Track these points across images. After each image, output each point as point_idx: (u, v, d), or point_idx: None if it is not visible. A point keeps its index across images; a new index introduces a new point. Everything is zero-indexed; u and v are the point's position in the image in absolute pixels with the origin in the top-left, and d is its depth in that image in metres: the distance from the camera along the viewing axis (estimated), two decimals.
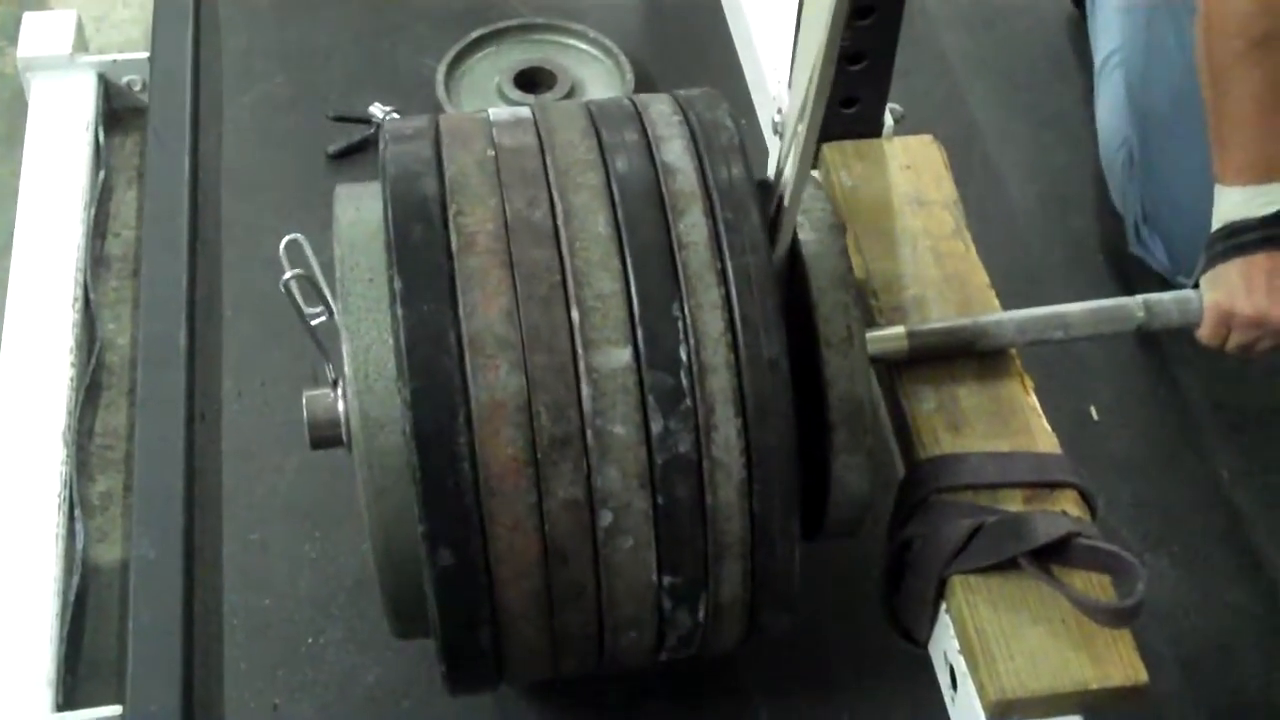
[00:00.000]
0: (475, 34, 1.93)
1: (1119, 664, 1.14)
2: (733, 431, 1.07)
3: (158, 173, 1.76)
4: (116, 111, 1.92)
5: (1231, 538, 1.52)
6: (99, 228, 1.80)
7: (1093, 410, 1.40)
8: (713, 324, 1.07)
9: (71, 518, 1.50)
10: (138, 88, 1.91)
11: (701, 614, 1.14)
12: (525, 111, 1.21)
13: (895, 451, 1.30)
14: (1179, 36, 1.61)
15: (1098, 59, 1.85)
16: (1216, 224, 1.37)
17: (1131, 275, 1.70)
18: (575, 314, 1.07)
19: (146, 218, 1.72)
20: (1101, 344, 1.62)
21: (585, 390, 1.06)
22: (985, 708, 1.14)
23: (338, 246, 1.17)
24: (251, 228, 1.75)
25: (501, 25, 1.94)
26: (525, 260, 1.08)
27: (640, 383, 1.06)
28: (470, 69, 1.91)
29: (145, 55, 1.90)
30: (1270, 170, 1.33)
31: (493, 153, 1.14)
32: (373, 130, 1.82)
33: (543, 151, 1.15)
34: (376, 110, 1.84)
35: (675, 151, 1.14)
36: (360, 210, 1.19)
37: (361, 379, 1.11)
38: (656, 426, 1.06)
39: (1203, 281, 1.36)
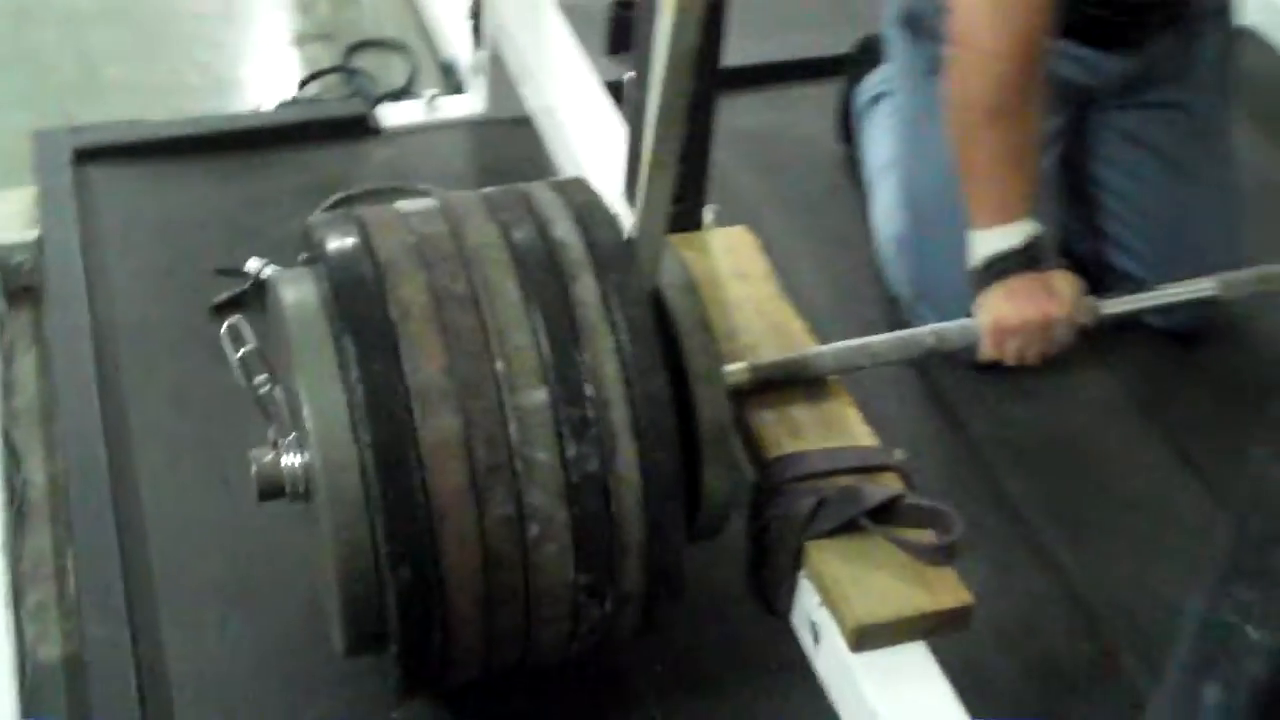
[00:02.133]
0: (335, 197, 2.20)
1: (948, 592, 1.40)
2: (631, 452, 1.33)
3: (61, 332, 1.97)
4: (11, 289, 2.13)
5: (1026, 542, 1.81)
6: (7, 387, 1.99)
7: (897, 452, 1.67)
8: (610, 366, 1.33)
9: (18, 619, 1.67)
10: (28, 267, 2.13)
11: (608, 605, 1.38)
12: (432, 202, 1.47)
13: (745, 462, 1.57)
14: (938, 138, 1.95)
15: (870, 173, 2.21)
16: (976, 262, 1.69)
17: None
18: (499, 365, 1.31)
19: (57, 370, 1.92)
20: (897, 398, 1.94)
21: (512, 426, 1.30)
22: (846, 637, 1.38)
23: (287, 323, 1.38)
24: (149, 369, 1.96)
25: (357, 190, 2.22)
26: (454, 324, 1.32)
27: (555, 417, 1.31)
28: None
29: (34, 236, 2.13)
30: (1012, 213, 1.67)
31: (414, 239, 1.39)
32: (250, 283, 2.06)
33: (454, 235, 1.40)
34: (254, 263, 2.08)
35: (563, 228, 1.41)
36: (301, 292, 1.41)
37: (323, 430, 1.31)
38: (570, 451, 1.31)
39: (975, 309, 1.68)
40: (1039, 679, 1.64)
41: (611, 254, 1.39)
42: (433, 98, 2.43)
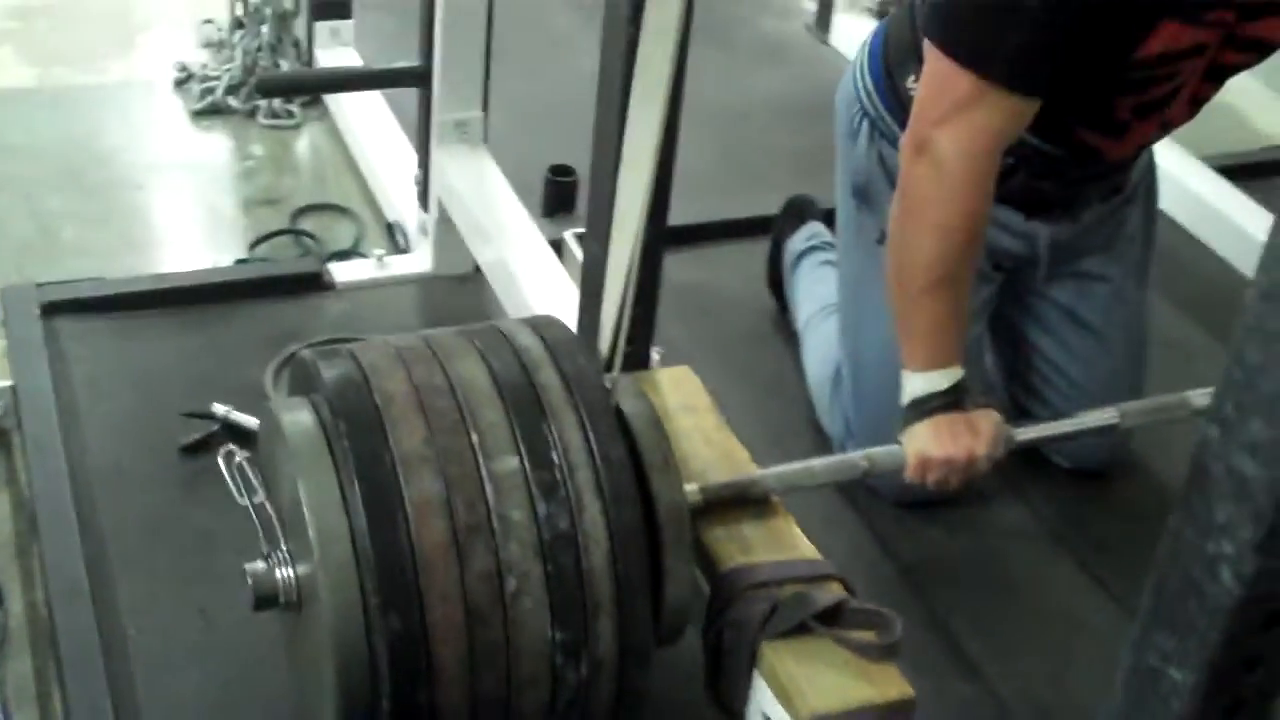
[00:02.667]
0: (292, 348, 2.33)
1: (892, 685, 1.54)
2: (597, 511, 1.48)
3: (40, 473, 2.07)
4: None
5: (953, 654, 1.95)
6: None
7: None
8: (574, 437, 1.49)
9: None
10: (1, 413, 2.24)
11: (584, 669, 1.50)
12: (410, 336, 1.63)
13: (701, 579, 1.71)
14: (882, 303, 2.09)
15: (801, 321, 2.38)
16: (906, 400, 1.86)
17: None
18: (474, 437, 1.47)
19: (39, 508, 2.03)
20: (832, 530, 2.10)
21: (488, 488, 1.45)
22: None
23: (287, 440, 1.51)
24: (124, 507, 2.06)
25: (314, 341, 2.35)
26: (433, 407, 1.48)
27: (527, 480, 1.46)
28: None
29: (7, 384, 2.24)
30: (941, 362, 1.84)
31: (394, 349, 1.55)
32: (217, 425, 2.18)
33: (429, 345, 1.56)
34: (218, 408, 2.20)
35: (526, 336, 1.58)
36: (295, 415, 1.55)
37: (319, 516, 1.45)
38: (542, 511, 1.46)
39: (902, 439, 1.85)
40: None
41: (569, 348, 1.57)
42: (381, 256, 2.59)
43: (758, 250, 2.64)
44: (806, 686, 1.54)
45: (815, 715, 1.52)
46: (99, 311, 2.41)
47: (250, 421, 2.18)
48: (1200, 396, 1.91)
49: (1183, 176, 2.77)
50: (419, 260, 2.60)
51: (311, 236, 2.77)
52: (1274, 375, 0.89)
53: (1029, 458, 2.21)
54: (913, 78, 1.95)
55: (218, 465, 1.89)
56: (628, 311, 1.65)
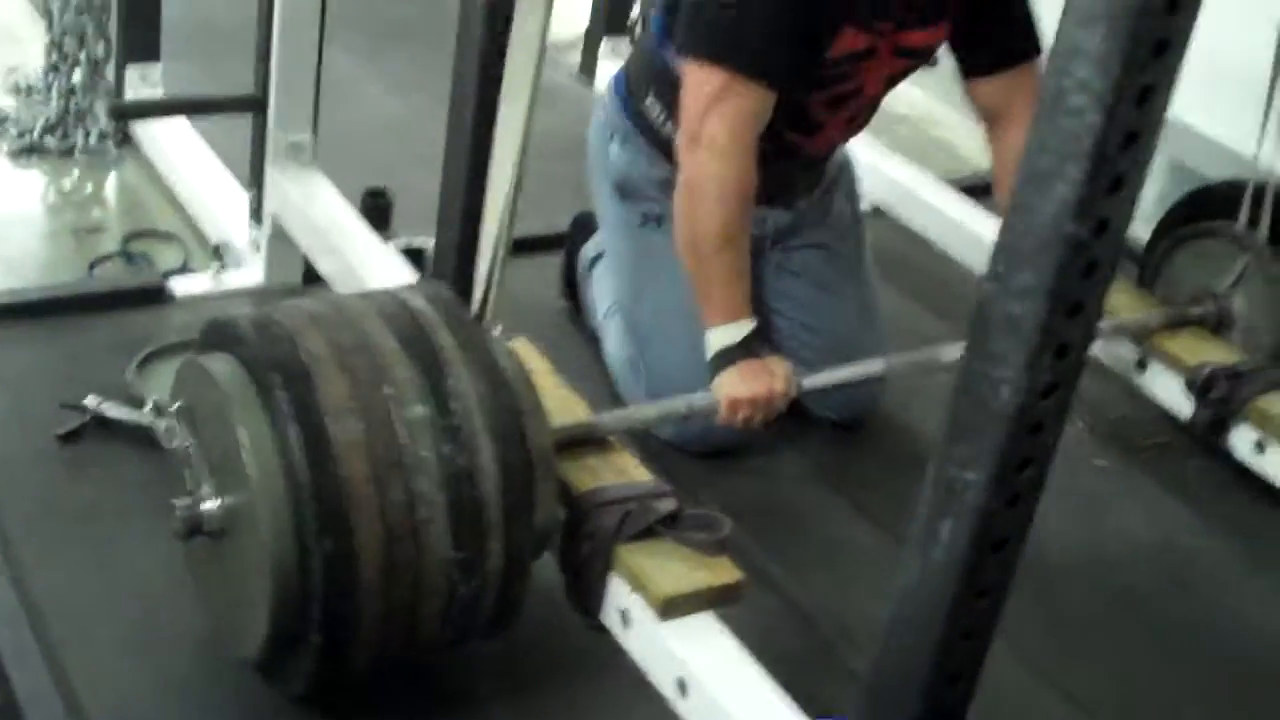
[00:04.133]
0: (147, 350, 2.56)
1: (726, 572, 1.88)
2: (490, 451, 1.78)
3: None
4: None
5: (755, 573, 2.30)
6: None
7: None
8: (468, 386, 1.80)
9: None
10: None
11: (476, 581, 1.80)
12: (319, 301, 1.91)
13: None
14: (654, 275, 2.49)
15: (598, 318, 2.73)
16: (711, 353, 2.23)
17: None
18: (389, 389, 1.76)
19: None
20: None
21: (401, 431, 1.74)
22: (656, 609, 1.84)
23: (222, 388, 1.77)
24: (11, 486, 2.27)
25: (169, 343, 2.58)
26: (351, 365, 1.76)
27: (433, 424, 1.76)
28: (152, 371, 2.53)
29: None
30: (737, 313, 2.22)
31: (308, 314, 1.83)
32: (89, 416, 2.40)
33: (339, 310, 1.85)
34: (91, 400, 2.41)
35: (419, 302, 1.88)
36: (225, 367, 1.81)
37: (258, 455, 1.72)
38: (445, 450, 1.75)
39: (713, 385, 2.21)
40: (776, 665, 2.11)
41: (459, 317, 1.87)
42: (218, 271, 2.83)
43: (550, 262, 2.98)
44: (657, 576, 1.87)
45: (665, 597, 1.84)
46: None
47: (118, 412, 2.40)
48: (950, 351, 2.33)
49: (922, 194, 3.23)
50: (252, 274, 2.86)
51: (145, 258, 2.99)
52: (1032, 239, 1.27)
53: (800, 415, 2.60)
54: (650, 98, 2.48)
55: (93, 450, 2.17)
56: (497, 278, 1.96)
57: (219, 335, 1.88)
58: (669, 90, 2.37)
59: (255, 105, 2.72)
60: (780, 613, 2.24)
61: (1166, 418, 2.73)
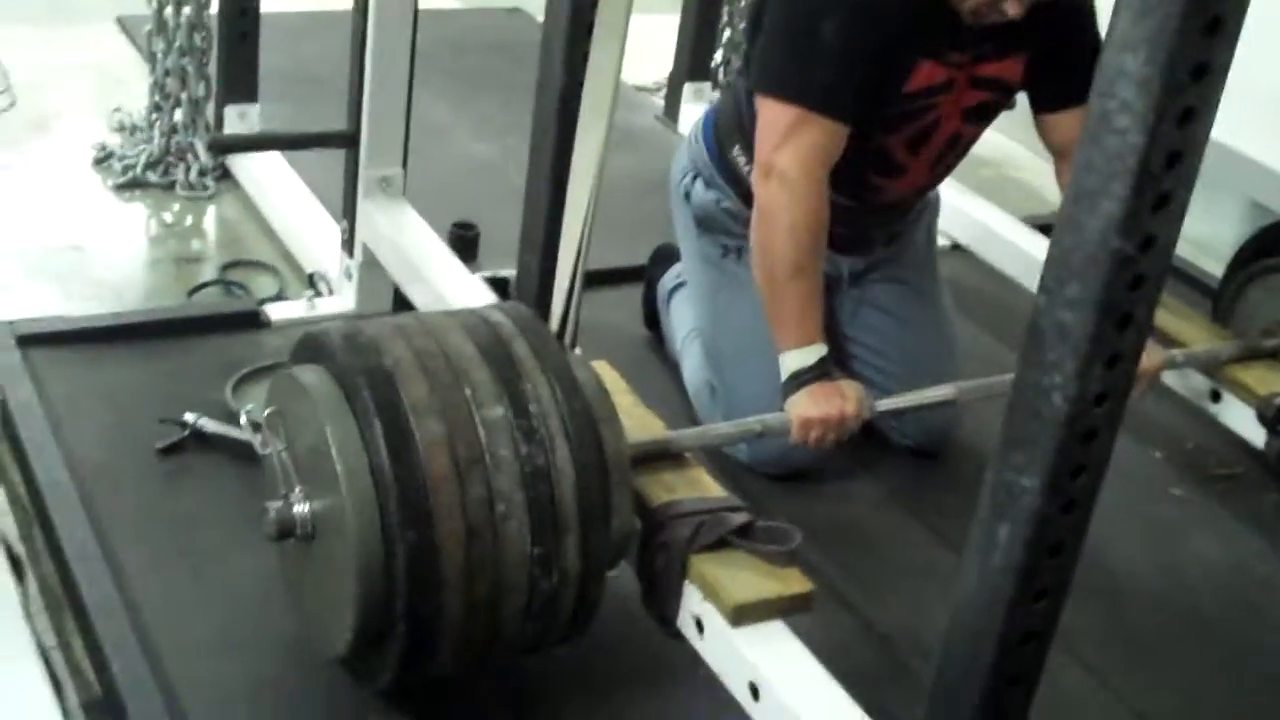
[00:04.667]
0: (245, 370, 2.67)
1: (796, 583, 1.95)
2: (565, 451, 1.86)
3: (41, 468, 2.38)
4: None
5: (829, 591, 2.36)
6: None
7: None
8: (545, 393, 1.88)
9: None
10: None
11: (554, 579, 1.88)
12: (404, 316, 2.00)
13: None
14: (732, 302, 2.58)
15: (677, 344, 2.81)
16: (785, 376, 2.29)
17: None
18: (468, 391, 1.84)
19: (46, 492, 2.33)
20: None
21: (481, 431, 1.82)
22: (727, 616, 1.91)
23: (310, 394, 1.87)
24: (114, 494, 2.38)
25: (265, 364, 2.70)
26: (432, 369, 1.85)
27: (511, 425, 1.84)
28: (248, 391, 2.64)
29: None
30: (809, 338, 2.29)
31: (392, 325, 1.92)
32: (188, 431, 2.51)
33: (420, 322, 1.94)
34: (189, 416, 2.52)
35: (497, 317, 1.97)
36: (314, 376, 1.91)
37: (344, 453, 1.81)
38: (523, 450, 1.84)
39: (786, 406, 2.27)
40: (850, 679, 2.17)
41: (533, 326, 1.98)
42: (312, 298, 2.95)
43: (632, 293, 3.06)
44: (729, 584, 1.93)
45: (736, 605, 1.91)
46: (67, 344, 2.72)
47: (216, 428, 2.51)
48: None
49: (1001, 232, 3.30)
50: (343, 301, 2.97)
51: (242, 286, 3.11)
52: (1080, 254, 1.33)
53: (878, 442, 2.66)
54: (738, 148, 2.56)
55: (191, 464, 2.28)
56: (576, 297, 2.05)
57: (309, 349, 1.97)
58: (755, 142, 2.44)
59: (348, 141, 2.84)
60: (854, 630, 2.29)
61: (1241, 447, 2.77)
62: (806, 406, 2.26)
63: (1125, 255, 1.31)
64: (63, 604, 2.21)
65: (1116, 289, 1.33)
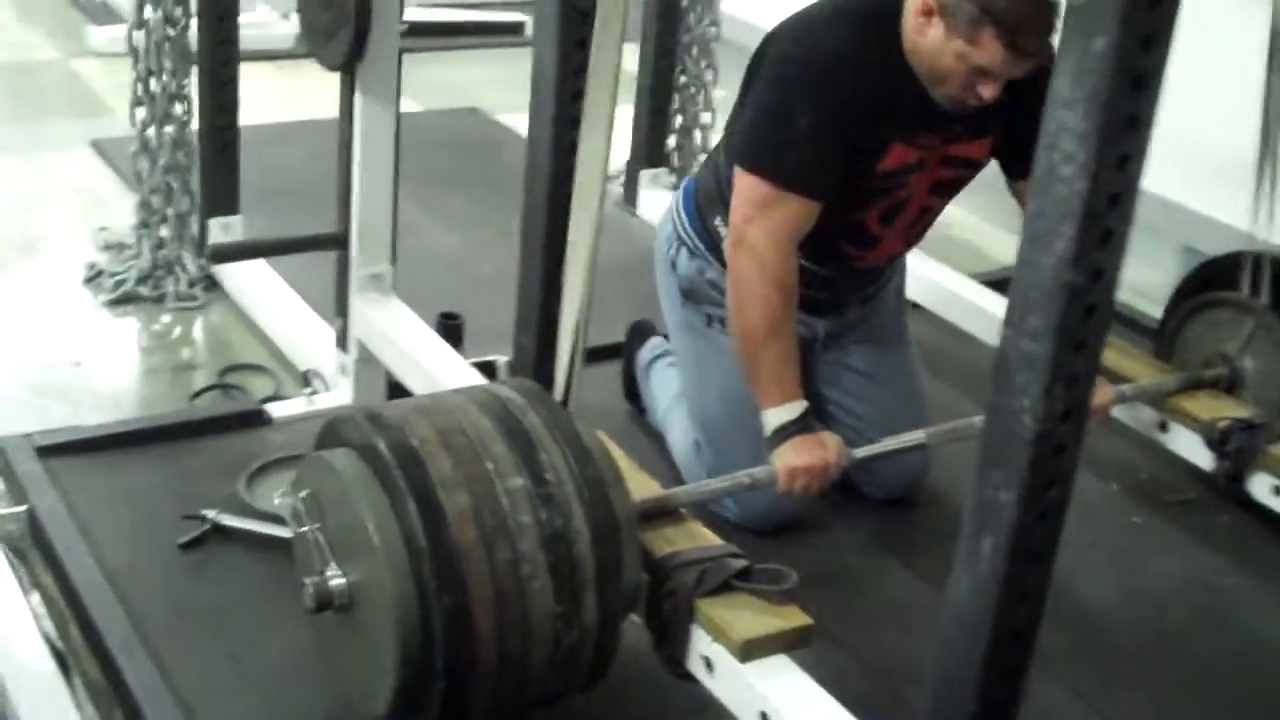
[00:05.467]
0: (256, 465, 2.82)
1: (797, 619, 2.11)
2: (581, 514, 2.02)
3: (77, 569, 2.52)
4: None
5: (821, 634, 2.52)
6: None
7: None
8: (559, 461, 2.04)
9: None
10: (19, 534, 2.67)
11: (576, 633, 2.03)
12: (421, 398, 2.16)
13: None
14: (718, 368, 2.74)
15: (660, 411, 2.98)
16: (768, 431, 2.47)
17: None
18: (489, 464, 2.01)
19: (84, 591, 2.47)
20: None
21: (504, 500, 1.98)
22: (736, 653, 2.07)
23: (342, 475, 2.03)
24: (144, 590, 2.51)
25: (273, 459, 2.85)
26: (454, 445, 2.01)
27: (530, 493, 2.00)
28: (258, 486, 2.79)
29: (24, 508, 2.68)
30: (789, 395, 2.46)
31: (413, 407, 2.09)
32: (208, 525, 2.65)
33: (438, 402, 2.11)
34: (209, 512, 2.67)
35: (507, 392, 2.13)
36: (344, 459, 2.06)
37: (382, 531, 1.97)
38: (543, 515, 2.00)
39: (772, 458, 2.45)
40: (851, 707, 2.32)
41: (541, 398, 2.14)
42: (311, 394, 3.10)
43: (610, 370, 3.24)
44: (736, 623, 2.09)
45: (744, 640, 2.07)
46: (84, 452, 2.87)
47: (235, 522, 2.66)
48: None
49: (953, 288, 3.51)
50: (340, 395, 3.12)
51: (240, 389, 3.27)
52: (1038, 290, 1.52)
53: (850, 495, 2.84)
54: (719, 219, 2.69)
55: (213, 556, 2.43)
56: (578, 371, 2.23)
57: (334, 434, 2.13)
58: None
59: (339, 242, 3.01)
60: (848, 665, 2.45)
61: (1190, 473, 2.97)
62: (791, 457, 2.44)
63: (1077, 287, 1.50)
64: (108, 697, 2.34)
65: (1072, 317, 1.51)
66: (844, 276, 2.75)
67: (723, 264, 2.68)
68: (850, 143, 2.47)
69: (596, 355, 3.30)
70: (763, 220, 2.46)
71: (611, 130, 2.14)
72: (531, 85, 2.29)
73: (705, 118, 4.41)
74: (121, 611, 2.42)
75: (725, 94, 4.41)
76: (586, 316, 2.23)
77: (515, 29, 5.93)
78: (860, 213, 2.60)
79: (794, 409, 2.47)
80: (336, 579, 2.06)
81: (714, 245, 2.74)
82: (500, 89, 5.39)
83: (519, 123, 4.97)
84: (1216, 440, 2.79)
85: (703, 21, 4.29)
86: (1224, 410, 2.84)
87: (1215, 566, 2.85)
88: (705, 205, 2.77)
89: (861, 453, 2.53)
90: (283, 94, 5.17)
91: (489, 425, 2.06)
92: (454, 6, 6.01)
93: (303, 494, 2.10)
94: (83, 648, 2.44)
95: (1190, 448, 2.88)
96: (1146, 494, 3.06)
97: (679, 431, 2.91)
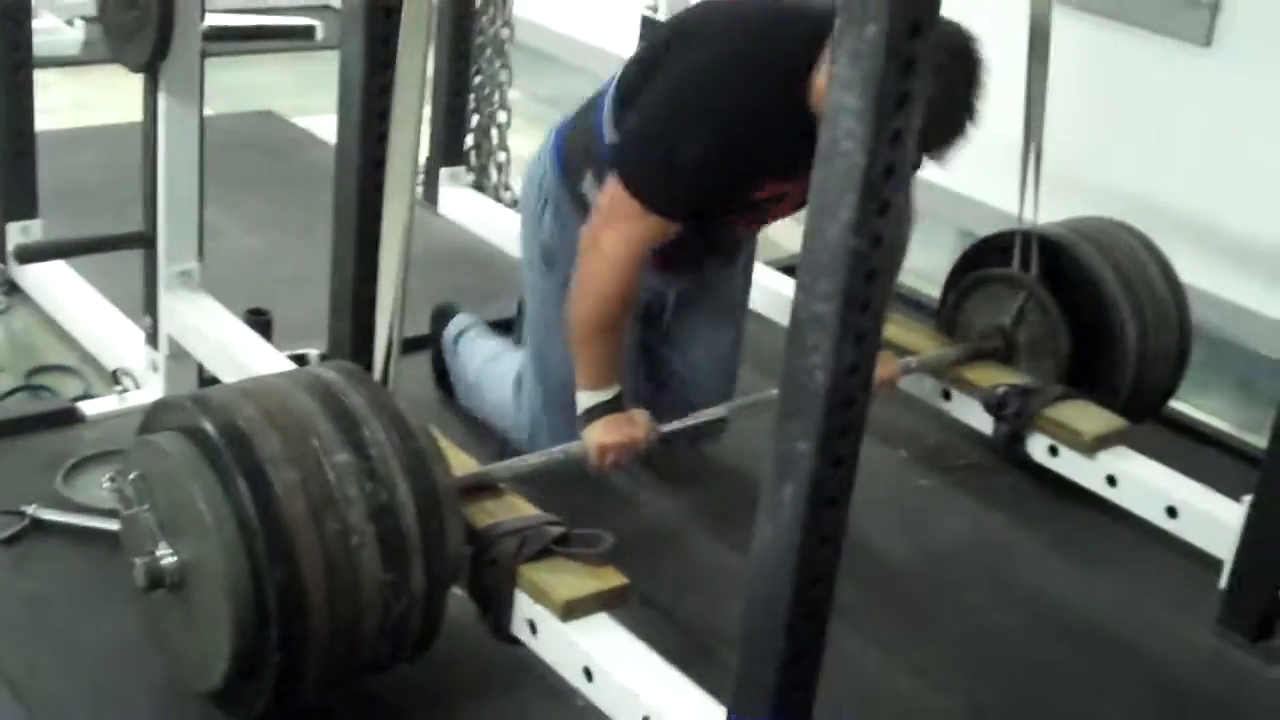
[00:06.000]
0: (72, 461, 2.85)
1: (614, 579, 2.24)
2: (405, 488, 2.12)
3: None
4: None
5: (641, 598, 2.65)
6: None
7: None
8: (381, 437, 2.13)
9: None
10: None
11: (404, 600, 2.13)
12: (246, 381, 2.23)
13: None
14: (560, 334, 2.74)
15: (470, 377, 3.10)
16: (581, 409, 2.58)
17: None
18: (315, 442, 2.09)
19: None
20: None
21: (331, 475, 2.07)
22: (558, 613, 2.18)
23: (172, 456, 2.09)
24: None
25: (89, 455, 2.87)
26: (280, 423, 2.09)
27: (356, 467, 2.09)
28: (75, 480, 2.81)
29: None
30: (605, 383, 2.57)
31: (239, 390, 2.16)
32: (27, 520, 2.67)
33: (261, 385, 2.18)
34: (27, 508, 2.69)
35: (329, 374, 2.22)
36: (173, 441, 2.12)
37: (213, 509, 2.04)
38: (368, 488, 2.09)
39: (583, 435, 2.57)
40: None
41: (361, 378, 2.23)
42: (123, 391, 3.13)
43: (418, 361, 3.32)
44: (556, 586, 2.22)
45: (565, 601, 2.19)
46: None
47: (54, 516, 2.68)
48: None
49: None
50: (152, 392, 3.14)
51: (49, 389, 3.27)
52: (826, 255, 1.66)
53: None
54: (586, 181, 2.71)
55: (33, 550, 2.47)
56: (395, 354, 2.32)
57: (160, 419, 2.19)
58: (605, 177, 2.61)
59: (146, 241, 3.04)
60: (659, 622, 2.57)
61: (973, 439, 3.18)
62: (601, 434, 2.56)
63: (860, 252, 1.65)
64: None
65: (856, 280, 1.66)
66: (704, 250, 2.81)
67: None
68: (728, 176, 2.52)
69: (405, 346, 3.40)
70: (622, 229, 2.49)
71: (420, 124, 2.24)
72: (340, 80, 2.39)
73: (501, 116, 4.51)
74: None
75: (519, 95, 4.55)
76: (403, 300, 2.32)
77: (307, 33, 5.96)
78: (727, 219, 2.70)
79: (606, 393, 2.58)
80: (168, 557, 2.12)
81: (581, 208, 2.73)
82: (290, 92, 5.44)
83: (314, 125, 5.10)
84: (995, 405, 3.00)
85: (496, 23, 4.40)
86: (1001, 378, 3.06)
87: (999, 523, 3.06)
88: (575, 164, 2.75)
89: (668, 427, 2.67)
90: (70, 100, 5.13)
91: (313, 405, 2.15)
92: (241, 11, 6.02)
93: (131, 476, 2.15)
94: None
95: (971, 414, 3.09)
96: (932, 459, 3.26)
97: (495, 383, 2.99)
